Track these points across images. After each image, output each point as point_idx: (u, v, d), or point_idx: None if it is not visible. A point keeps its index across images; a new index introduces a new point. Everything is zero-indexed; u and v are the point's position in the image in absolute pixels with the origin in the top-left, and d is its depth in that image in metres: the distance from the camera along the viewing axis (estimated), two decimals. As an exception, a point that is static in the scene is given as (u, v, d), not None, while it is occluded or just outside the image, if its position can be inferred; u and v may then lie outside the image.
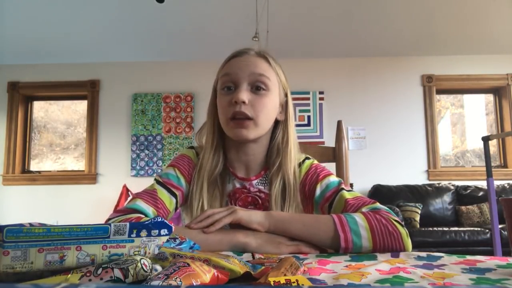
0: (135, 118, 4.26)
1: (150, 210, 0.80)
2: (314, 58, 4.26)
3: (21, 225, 0.41)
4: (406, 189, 3.90)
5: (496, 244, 2.28)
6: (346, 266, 0.52)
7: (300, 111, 4.22)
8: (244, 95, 0.83)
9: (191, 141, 4.22)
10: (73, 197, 4.16)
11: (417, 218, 3.61)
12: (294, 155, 0.90)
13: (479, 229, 3.31)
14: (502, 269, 0.49)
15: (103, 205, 3.97)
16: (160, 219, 0.46)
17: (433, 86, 4.27)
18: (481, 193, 3.82)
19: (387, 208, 0.75)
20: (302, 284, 0.37)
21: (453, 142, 4.57)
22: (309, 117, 4.24)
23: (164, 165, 4.17)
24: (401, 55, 4.26)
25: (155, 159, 4.19)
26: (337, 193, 0.83)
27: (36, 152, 4.52)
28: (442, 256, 0.60)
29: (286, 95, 0.93)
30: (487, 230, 3.26)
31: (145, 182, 3.89)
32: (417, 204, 3.70)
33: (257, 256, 0.62)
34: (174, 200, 0.85)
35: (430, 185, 3.96)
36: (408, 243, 0.69)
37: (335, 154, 1.16)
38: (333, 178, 0.87)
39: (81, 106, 4.57)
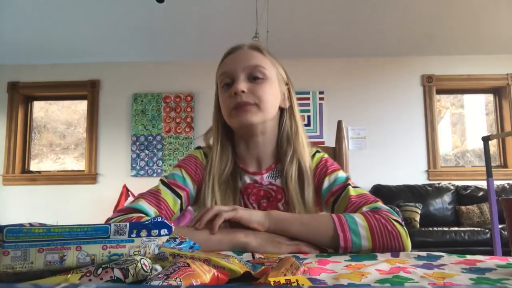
0: (135, 118, 4.26)
1: (152, 210, 0.79)
2: (314, 58, 4.26)
3: (21, 225, 0.41)
4: (406, 189, 3.90)
5: (496, 244, 2.28)
6: (346, 266, 0.52)
7: (300, 111, 4.14)
8: (242, 85, 0.83)
9: (191, 141, 4.22)
10: (73, 197, 4.16)
11: (417, 218, 3.61)
12: (306, 141, 0.91)
13: (479, 229, 3.31)
14: (502, 269, 0.49)
15: (103, 205, 3.97)
16: (160, 219, 0.46)
17: (433, 86, 4.27)
18: (481, 193, 3.82)
19: (388, 208, 0.75)
20: (302, 284, 0.37)
21: (453, 142, 4.57)
22: (309, 117, 4.24)
23: (164, 165, 4.17)
24: (401, 55, 4.26)
25: (155, 159, 4.19)
26: (344, 189, 0.83)
27: (36, 152, 4.52)
28: (442, 256, 0.60)
29: (287, 84, 0.93)
30: (487, 230, 3.26)
31: (145, 182, 3.92)
32: (417, 204, 3.70)
33: (257, 256, 0.62)
34: (178, 201, 0.85)
35: (430, 185, 3.96)
36: (408, 243, 0.69)
37: (335, 154, 1.16)
38: (341, 174, 0.87)
39: (81, 106, 4.57)
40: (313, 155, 0.92)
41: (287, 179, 0.87)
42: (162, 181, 0.87)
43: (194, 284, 0.36)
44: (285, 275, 0.39)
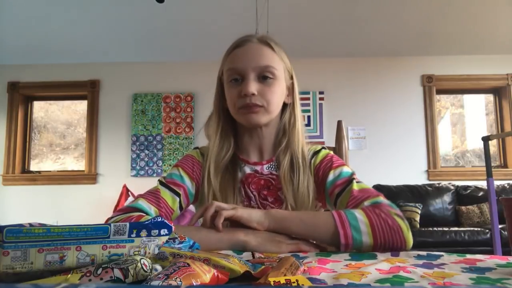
0: (135, 118, 4.26)
1: (152, 209, 0.80)
2: (314, 58, 4.26)
3: (21, 225, 0.41)
4: (406, 189, 3.90)
5: (496, 244, 2.28)
6: (346, 266, 0.52)
7: (301, 111, 4.22)
8: (253, 87, 0.83)
9: (191, 141, 4.22)
10: (73, 197, 4.15)
11: (417, 218, 3.60)
12: (301, 136, 0.92)
13: (479, 229, 3.31)
14: (502, 269, 0.49)
15: (103, 205, 3.97)
16: (160, 219, 0.46)
17: (433, 86, 4.27)
18: (481, 193, 3.82)
19: (389, 202, 0.75)
20: (302, 284, 0.37)
21: (453, 142, 4.57)
22: (309, 117, 4.24)
23: (164, 165, 4.17)
24: (401, 55, 4.26)
25: (155, 159, 4.19)
26: (348, 183, 0.83)
27: (36, 152, 4.52)
28: (442, 255, 0.60)
29: (291, 78, 0.94)
30: (487, 230, 3.26)
31: (145, 182, 3.92)
32: (417, 204, 3.70)
33: (257, 255, 0.62)
34: (177, 198, 0.85)
35: (430, 185, 3.96)
36: (409, 236, 0.69)
37: (335, 154, 1.16)
38: (347, 169, 0.87)
39: (81, 106, 4.57)
40: (319, 151, 0.93)
41: (279, 167, 0.89)
42: (160, 181, 0.88)
43: (194, 284, 0.36)
44: (285, 275, 0.39)
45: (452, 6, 3.39)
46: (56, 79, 4.33)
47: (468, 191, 3.90)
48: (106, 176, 4.21)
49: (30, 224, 0.43)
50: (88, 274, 0.37)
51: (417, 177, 4.13)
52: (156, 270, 0.40)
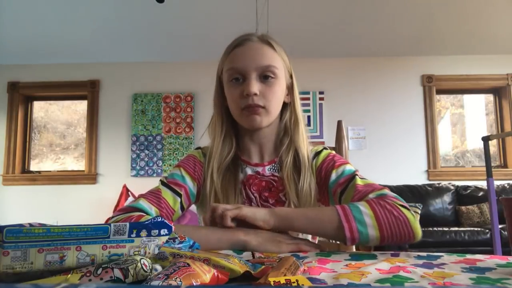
0: (135, 118, 4.26)
1: (152, 209, 0.80)
2: (314, 58, 4.26)
3: (21, 225, 0.41)
4: (406, 189, 3.90)
5: (496, 244, 2.28)
6: (346, 265, 0.52)
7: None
8: (255, 87, 0.83)
9: (191, 141, 4.22)
10: (73, 197, 4.16)
11: (417, 218, 3.60)
12: (305, 134, 0.91)
13: (479, 229, 3.31)
14: (502, 268, 0.49)
15: (103, 205, 3.97)
16: (160, 219, 0.46)
17: (433, 86, 4.27)
18: (481, 193, 3.82)
19: (395, 194, 0.74)
20: (302, 284, 0.37)
21: (453, 142, 4.57)
22: (309, 117, 4.24)
23: (164, 165, 4.17)
24: (401, 55, 4.26)
25: (155, 159, 4.19)
26: (351, 180, 0.82)
27: (36, 152, 4.52)
28: (442, 255, 0.60)
29: (291, 77, 0.93)
30: (487, 230, 3.26)
31: (145, 182, 3.92)
32: (417, 204, 3.69)
33: (257, 255, 0.62)
34: (178, 199, 0.85)
35: (430, 185, 3.96)
36: (417, 227, 0.68)
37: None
38: (349, 167, 0.87)
39: (81, 106, 4.57)
40: (320, 152, 0.92)
41: (282, 167, 0.88)
42: (161, 181, 0.88)
43: (194, 284, 0.36)
44: (285, 275, 0.39)
45: (452, 6, 3.39)
46: (56, 79, 4.33)
47: (468, 191, 3.90)
48: (106, 176, 4.21)
49: (30, 224, 0.43)
50: (88, 274, 0.37)
51: (417, 177, 4.13)
52: (156, 270, 0.40)
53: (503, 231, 2.88)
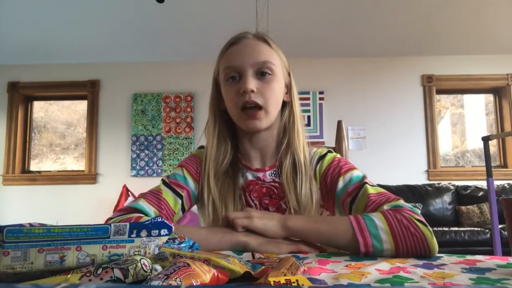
0: (135, 118, 4.26)
1: (151, 210, 0.79)
2: (314, 58, 4.26)
3: (21, 225, 0.41)
4: (406, 189, 3.90)
5: (496, 244, 2.28)
6: (346, 266, 0.52)
7: (300, 111, 4.22)
8: (252, 83, 0.81)
9: (191, 141, 4.22)
10: (73, 197, 4.16)
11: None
12: (302, 135, 0.89)
13: (479, 229, 3.31)
14: (502, 269, 0.49)
15: (103, 205, 3.97)
16: (160, 219, 0.46)
17: (433, 86, 4.27)
18: (481, 193, 3.82)
19: (410, 206, 0.70)
20: (302, 284, 0.37)
21: (453, 142, 4.57)
22: (309, 117, 4.24)
23: (164, 165, 4.17)
24: (401, 55, 4.26)
25: (155, 159, 4.19)
26: (361, 188, 0.78)
27: (36, 152, 4.52)
28: (442, 256, 0.60)
29: (289, 75, 0.91)
30: (487, 230, 3.26)
31: (145, 182, 3.92)
32: (417, 204, 3.70)
33: (257, 255, 0.62)
34: (179, 200, 0.84)
35: (430, 185, 3.96)
36: (434, 243, 0.63)
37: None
38: (357, 173, 0.83)
39: (81, 106, 4.57)
40: (325, 155, 0.88)
41: (281, 170, 0.86)
42: (163, 181, 0.86)
43: (194, 284, 0.36)
44: (285, 275, 0.39)
45: (452, 6, 3.39)
46: (56, 79, 4.33)
47: (468, 191, 3.90)
48: (106, 176, 4.21)
49: (30, 224, 0.43)
50: (88, 274, 0.37)
51: (417, 177, 4.13)
52: (156, 270, 0.40)
53: (503, 231, 2.88)
